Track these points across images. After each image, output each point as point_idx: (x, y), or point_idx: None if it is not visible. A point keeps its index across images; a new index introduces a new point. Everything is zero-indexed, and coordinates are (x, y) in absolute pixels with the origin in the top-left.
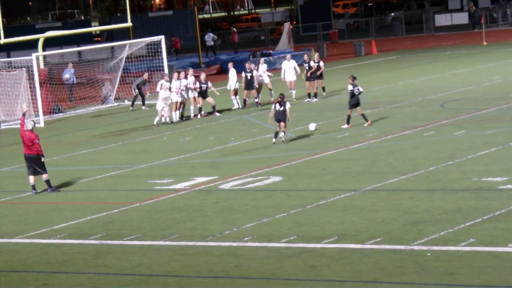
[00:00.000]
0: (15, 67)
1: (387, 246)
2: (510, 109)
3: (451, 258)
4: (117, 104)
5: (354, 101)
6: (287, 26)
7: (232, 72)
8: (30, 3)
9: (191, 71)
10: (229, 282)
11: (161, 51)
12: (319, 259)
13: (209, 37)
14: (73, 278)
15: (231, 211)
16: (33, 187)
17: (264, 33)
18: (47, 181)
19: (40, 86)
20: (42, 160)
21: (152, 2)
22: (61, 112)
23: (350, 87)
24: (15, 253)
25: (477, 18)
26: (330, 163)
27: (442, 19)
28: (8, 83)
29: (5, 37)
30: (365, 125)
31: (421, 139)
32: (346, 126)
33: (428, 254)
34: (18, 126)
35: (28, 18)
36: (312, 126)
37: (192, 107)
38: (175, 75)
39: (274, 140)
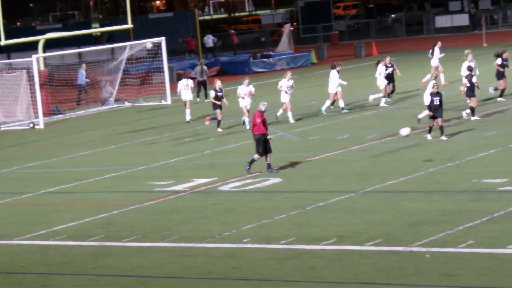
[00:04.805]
0: (15, 69)
1: (386, 248)
2: (510, 111)
3: (450, 259)
4: (117, 105)
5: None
6: (287, 27)
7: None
8: (31, 5)
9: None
10: (229, 284)
11: (161, 53)
12: (319, 260)
13: (209, 39)
14: (73, 280)
15: (231, 213)
16: (268, 166)
17: (265, 34)
18: (252, 161)
19: (40, 87)
20: (269, 137)
21: (153, 3)
22: (61, 113)
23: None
24: (14, 255)
25: (478, 19)
26: (330, 165)
27: (442, 21)
28: (8, 84)
29: (6, 38)
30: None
31: (421, 140)
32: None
33: (427, 255)
34: (17, 128)
35: (29, 20)
36: (405, 131)
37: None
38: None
39: (429, 136)
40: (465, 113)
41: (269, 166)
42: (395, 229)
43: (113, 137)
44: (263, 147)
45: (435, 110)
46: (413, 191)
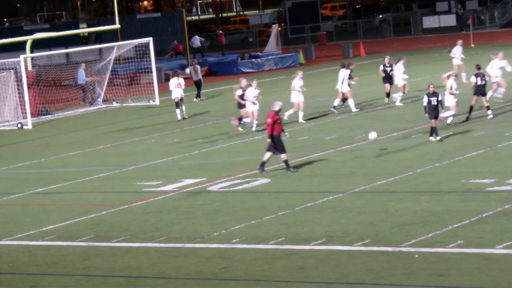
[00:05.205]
0: (2, 69)
1: (375, 248)
2: (497, 110)
3: (439, 259)
4: (105, 106)
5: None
6: (275, 28)
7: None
8: (18, 5)
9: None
10: (218, 284)
11: (149, 53)
12: (308, 260)
13: (195, 39)
14: (61, 280)
15: (220, 213)
16: (262, 164)
17: (252, 35)
18: (285, 161)
19: (28, 88)
20: (268, 140)
21: (140, 4)
22: (49, 114)
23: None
24: (3, 255)
25: (465, 20)
26: (319, 165)
27: (429, 21)
28: None
29: None
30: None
31: (409, 141)
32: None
33: (416, 256)
34: (5, 128)
35: (16, 20)
36: (372, 135)
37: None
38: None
39: (438, 138)
40: (490, 113)
41: (262, 164)
42: (384, 229)
43: (101, 137)
44: (279, 145)
45: (434, 110)
46: (402, 191)
